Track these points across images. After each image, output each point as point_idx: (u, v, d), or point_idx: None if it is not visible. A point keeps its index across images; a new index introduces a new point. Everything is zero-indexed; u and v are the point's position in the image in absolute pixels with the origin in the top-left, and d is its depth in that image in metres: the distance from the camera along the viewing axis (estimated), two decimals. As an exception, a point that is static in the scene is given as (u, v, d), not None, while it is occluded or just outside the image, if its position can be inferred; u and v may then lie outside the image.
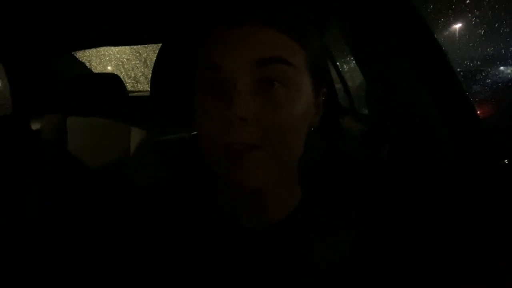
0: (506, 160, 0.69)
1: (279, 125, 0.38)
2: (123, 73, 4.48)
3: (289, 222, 0.45)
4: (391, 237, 0.44)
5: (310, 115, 0.43)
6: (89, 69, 2.42)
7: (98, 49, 3.02)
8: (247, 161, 0.38)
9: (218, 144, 0.38)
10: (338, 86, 1.87)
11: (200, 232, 0.46)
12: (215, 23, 0.40)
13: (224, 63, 0.38)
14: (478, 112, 0.77)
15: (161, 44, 0.61)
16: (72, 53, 2.10)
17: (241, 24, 0.38)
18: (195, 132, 0.42)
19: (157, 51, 0.56)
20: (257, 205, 0.45)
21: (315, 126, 0.45)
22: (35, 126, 1.37)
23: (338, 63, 1.86)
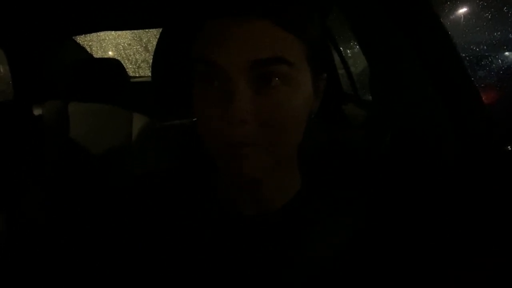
0: (509, 147, 0.68)
1: (279, 121, 0.37)
2: (124, 58, 4.45)
3: (288, 210, 0.45)
4: (390, 233, 0.43)
5: (310, 104, 0.42)
6: (90, 54, 2.41)
7: (98, 34, 3.00)
8: (246, 156, 0.38)
9: (217, 139, 0.38)
10: (341, 72, 1.85)
11: (200, 219, 0.46)
12: (212, 16, 0.38)
13: (222, 61, 0.36)
14: (483, 97, 0.76)
15: (162, 28, 0.60)
16: (73, 38, 2.08)
17: (242, 18, 0.36)
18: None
19: (158, 36, 0.55)
20: (256, 193, 0.45)
21: (314, 112, 0.45)
22: (36, 112, 1.37)
23: (341, 48, 1.84)
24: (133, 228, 0.47)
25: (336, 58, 1.79)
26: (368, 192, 0.47)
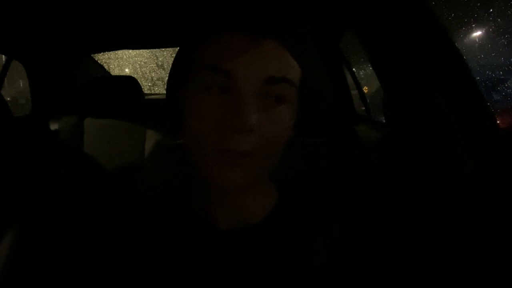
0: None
1: (274, 137, 0.40)
2: (140, 76, 4.55)
3: (269, 222, 0.46)
4: (387, 249, 0.43)
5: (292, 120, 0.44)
6: (107, 71, 2.47)
7: (116, 52, 3.08)
8: (242, 165, 0.39)
9: (213, 147, 0.39)
10: (354, 92, 1.85)
11: (179, 238, 0.46)
12: (229, 27, 0.39)
13: (238, 73, 0.38)
14: (499, 122, 0.75)
15: (178, 48, 0.61)
16: (91, 55, 2.14)
17: (258, 35, 0.38)
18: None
19: (173, 55, 0.57)
20: (234, 207, 0.45)
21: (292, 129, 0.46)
22: (53, 126, 1.40)
23: (354, 69, 1.85)
24: (122, 247, 0.48)
25: (349, 79, 1.80)
26: (371, 209, 0.47)
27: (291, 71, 0.40)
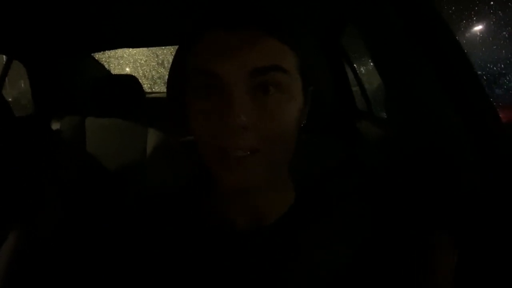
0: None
1: (276, 128, 0.39)
2: (140, 75, 4.55)
3: (282, 224, 0.45)
4: (397, 253, 0.41)
5: (300, 114, 0.43)
6: (108, 70, 2.47)
7: (116, 51, 3.08)
8: (245, 165, 0.38)
9: (215, 148, 0.39)
10: (355, 89, 1.85)
11: (195, 238, 0.46)
12: (212, 26, 0.39)
13: (221, 71, 0.37)
14: (501, 116, 0.75)
15: (178, 46, 0.61)
16: (92, 54, 2.14)
17: (240, 30, 0.38)
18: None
19: (174, 53, 0.56)
20: (250, 207, 0.45)
21: (304, 122, 0.46)
22: (55, 126, 1.40)
23: (355, 65, 1.84)
24: (132, 246, 0.47)
25: (350, 75, 1.79)
26: (376, 209, 0.46)
27: (282, 57, 0.39)
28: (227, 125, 0.37)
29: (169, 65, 0.50)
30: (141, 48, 3.94)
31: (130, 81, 1.51)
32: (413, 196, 0.56)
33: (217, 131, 0.38)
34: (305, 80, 0.43)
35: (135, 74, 1.61)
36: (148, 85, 4.57)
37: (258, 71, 0.37)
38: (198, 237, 0.46)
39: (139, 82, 1.53)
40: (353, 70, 1.79)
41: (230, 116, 0.36)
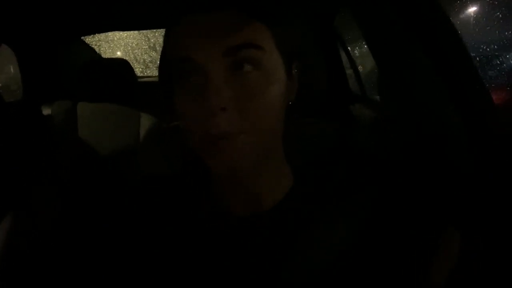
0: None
1: (257, 107, 0.38)
2: (132, 59, 4.48)
3: (281, 208, 0.45)
4: (395, 236, 0.41)
5: (286, 91, 0.43)
6: (98, 54, 2.43)
7: (107, 34, 3.02)
8: (231, 147, 0.38)
9: (201, 133, 0.38)
10: (349, 72, 1.84)
11: (193, 222, 0.46)
12: (185, 9, 0.39)
13: (195, 55, 0.37)
14: (494, 97, 0.75)
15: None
16: (82, 38, 2.10)
17: (210, 10, 0.38)
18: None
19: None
20: (247, 191, 0.44)
21: (292, 100, 0.45)
22: (45, 111, 1.38)
23: (349, 48, 1.83)
24: (131, 230, 0.47)
25: (344, 58, 1.78)
26: (374, 193, 0.46)
27: (255, 35, 0.38)
28: (205, 107, 0.36)
29: (161, 49, 0.49)
30: (132, 31, 3.86)
31: (122, 65, 1.49)
32: (412, 181, 0.56)
33: (198, 114, 0.38)
34: (286, 57, 0.42)
35: (127, 58, 1.59)
36: (140, 69, 4.50)
37: (230, 50, 0.37)
38: (196, 221, 0.46)
39: (131, 66, 1.51)
40: (347, 52, 1.78)
41: (206, 99, 0.36)
